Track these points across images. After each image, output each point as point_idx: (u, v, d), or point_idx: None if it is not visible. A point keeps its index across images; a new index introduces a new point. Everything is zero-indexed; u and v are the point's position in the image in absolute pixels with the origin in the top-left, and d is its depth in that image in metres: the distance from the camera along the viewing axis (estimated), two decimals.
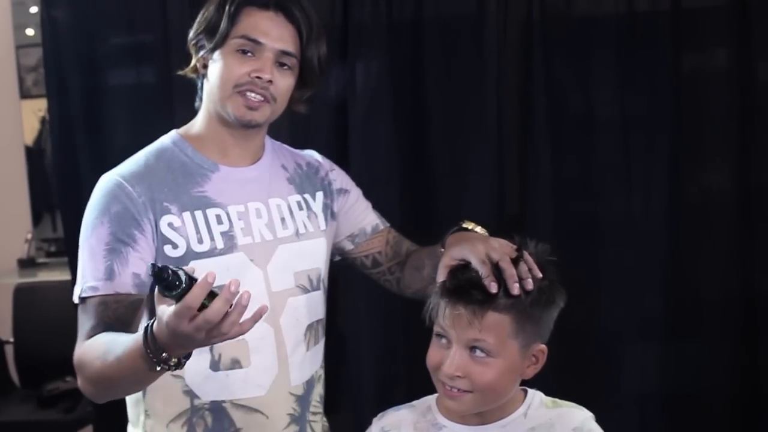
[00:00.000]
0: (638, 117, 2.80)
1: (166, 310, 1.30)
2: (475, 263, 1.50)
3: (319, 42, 1.74)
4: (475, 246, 1.54)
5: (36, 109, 4.54)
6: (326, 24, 2.76)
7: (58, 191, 3.00)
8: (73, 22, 2.89)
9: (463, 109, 2.81)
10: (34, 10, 4.35)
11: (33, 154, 4.61)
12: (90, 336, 1.57)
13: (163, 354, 1.36)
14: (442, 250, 1.67)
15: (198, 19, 1.74)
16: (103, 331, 1.56)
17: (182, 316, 1.27)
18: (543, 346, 1.53)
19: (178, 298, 1.27)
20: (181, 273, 1.28)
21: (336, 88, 2.84)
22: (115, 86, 2.94)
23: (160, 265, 1.28)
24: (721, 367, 2.83)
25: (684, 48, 2.79)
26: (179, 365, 1.39)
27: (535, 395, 1.56)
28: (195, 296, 1.26)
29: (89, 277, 1.62)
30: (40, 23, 2.91)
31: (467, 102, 2.81)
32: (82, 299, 1.62)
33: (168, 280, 1.27)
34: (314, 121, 2.78)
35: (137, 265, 1.62)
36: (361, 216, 1.95)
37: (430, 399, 1.61)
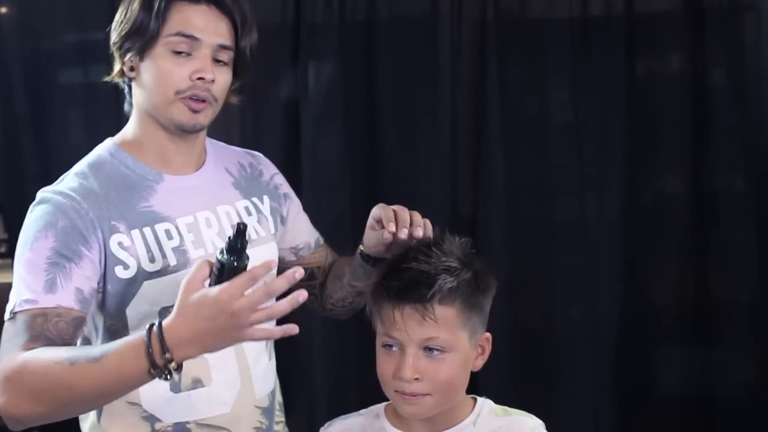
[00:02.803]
0: (592, 120, 2.81)
1: (211, 288, 1.27)
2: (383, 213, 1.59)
3: (252, 31, 1.65)
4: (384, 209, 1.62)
5: None
6: (278, 24, 2.76)
7: (2, 192, 2.92)
8: (19, 19, 2.84)
9: (417, 111, 2.81)
10: None
11: None
12: (29, 349, 1.40)
13: (167, 354, 1.28)
14: (361, 248, 1.71)
15: (118, 19, 1.62)
16: (45, 345, 1.40)
17: (240, 288, 1.24)
18: (488, 334, 1.53)
19: (227, 271, 1.27)
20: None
21: (288, 88, 2.81)
22: (65, 85, 2.90)
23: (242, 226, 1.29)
24: (674, 369, 2.86)
25: (638, 52, 2.81)
26: (178, 370, 1.31)
27: (484, 403, 1.54)
28: (261, 270, 1.27)
29: (25, 291, 1.46)
30: None
31: (420, 104, 2.80)
32: (15, 314, 1.45)
33: (244, 245, 1.27)
34: (265, 122, 2.75)
35: (80, 281, 1.49)
36: (303, 227, 1.89)
37: (379, 407, 1.58)
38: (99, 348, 1.36)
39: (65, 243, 1.50)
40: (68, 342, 1.44)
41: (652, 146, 2.81)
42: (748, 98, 2.77)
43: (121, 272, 1.55)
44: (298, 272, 1.28)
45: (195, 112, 1.59)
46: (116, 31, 1.62)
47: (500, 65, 2.77)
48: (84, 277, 1.50)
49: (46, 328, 1.44)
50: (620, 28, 2.77)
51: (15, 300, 1.47)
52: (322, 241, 1.92)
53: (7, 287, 1.53)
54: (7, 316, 1.47)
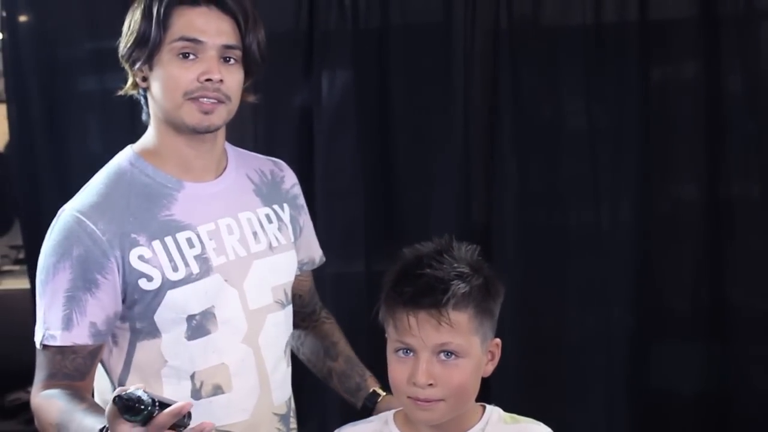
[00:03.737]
0: (606, 128, 2.80)
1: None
2: None
3: (257, 28, 1.66)
4: None
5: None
6: (291, 32, 2.77)
7: (18, 198, 2.94)
8: (36, 27, 2.85)
9: (430, 119, 2.81)
10: None
11: (3, 159, 4.53)
12: (47, 385, 1.59)
13: None
14: (381, 396, 1.82)
15: (124, 32, 1.65)
16: (62, 380, 1.58)
17: None
18: (497, 340, 1.54)
19: (144, 422, 1.31)
20: (144, 396, 1.32)
21: (301, 97, 2.82)
22: (82, 92, 2.90)
23: (124, 396, 1.31)
24: (689, 377, 2.84)
25: (652, 59, 2.79)
26: None
27: (493, 411, 1.55)
28: (167, 420, 1.31)
29: (50, 324, 1.59)
30: (1, 27, 2.86)
31: (434, 111, 2.80)
32: (44, 346, 1.60)
33: (133, 407, 1.31)
34: (279, 130, 2.76)
35: (95, 313, 1.58)
36: (311, 240, 1.89)
37: (388, 414, 1.59)
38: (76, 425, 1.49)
39: (81, 273, 1.57)
40: (85, 372, 1.61)
41: (666, 154, 2.80)
42: (764, 105, 2.75)
43: (145, 284, 1.59)
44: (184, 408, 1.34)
45: (206, 113, 1.60)
46: (123, 43, 1.65)
47: (513, 72, 2.77)
48: (99, 308, 1.58)
49: (64, 365, 1.59)
50: (634, 35, 2.75)
51: (42, 331, 1.60)
52: (323, 260, 1.94)
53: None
54: (38, 344, 1.61)
